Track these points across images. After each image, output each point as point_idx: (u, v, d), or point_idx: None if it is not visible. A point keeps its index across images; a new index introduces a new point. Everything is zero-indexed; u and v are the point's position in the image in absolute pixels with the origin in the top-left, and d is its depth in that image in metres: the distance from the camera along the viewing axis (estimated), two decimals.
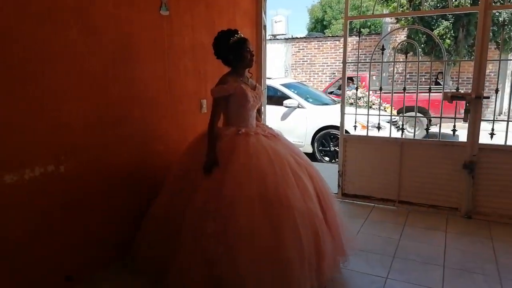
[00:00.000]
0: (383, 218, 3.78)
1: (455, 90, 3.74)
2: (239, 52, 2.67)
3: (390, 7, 11.87)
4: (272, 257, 2.22)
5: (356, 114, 4.22)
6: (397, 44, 11.60)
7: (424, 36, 11.06)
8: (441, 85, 12.19)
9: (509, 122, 3.51)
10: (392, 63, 11.55)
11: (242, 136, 2.59)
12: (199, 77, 3.57)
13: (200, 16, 3.52)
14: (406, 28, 11.97)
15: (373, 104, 7.64)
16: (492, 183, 3.61)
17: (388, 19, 13.70)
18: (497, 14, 10.30)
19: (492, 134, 3.62)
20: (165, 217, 2.58)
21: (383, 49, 4.00)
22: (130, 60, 2.84)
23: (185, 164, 2.72)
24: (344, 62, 4.13)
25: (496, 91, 3.56)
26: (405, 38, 12.35)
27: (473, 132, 3.63)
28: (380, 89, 4.28)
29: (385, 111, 7.16)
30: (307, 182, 2.53)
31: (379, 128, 4.20)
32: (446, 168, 3.78)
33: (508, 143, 3.53)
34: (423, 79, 12.91)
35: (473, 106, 3.58)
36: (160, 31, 3.08)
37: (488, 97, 3.54)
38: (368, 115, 4.16)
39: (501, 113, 12.63)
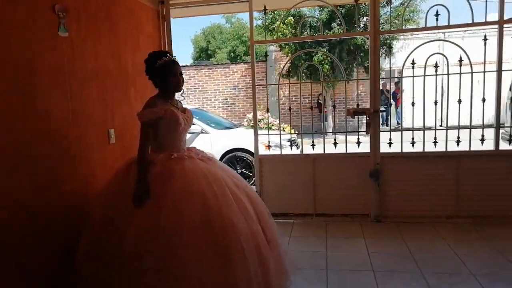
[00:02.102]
0: (304, 233, 3.86)
1: (355, 107, 4.09)
2: (165, 76, 2.54)
3: (274, 37, 12.67)
4: (221, 285, 2.12)
5: (259, 135, 4.32)
6: (281, 69, 12.44)
7: (306, 62, 12.05)
8: (321, 105, 13.48)
9: (403, 132, 3.96)
10: (277, 87, 12.64)
11: (176, 160, 2.44)
12: (105, 105, 3.24)
13: (103, 39, 3.22)
14: (289, 54, 12.90)
15: (272, 125, 7.96)
16: (395, 187, 3.99)
17: (272, 47, 14.63)
18: (363, 41, 11.78)
19: (390, 144, 4.04)
20: (98, 252, 2.33)
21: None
22: (27, 88, 2.42)
23: (112, 193, 2.45)
24: (254, 85, 4.21)
25: (389, 105, 4.01)
26: (289, 64, 13.29)
27: (375, 142, 4.00)
28: (267, 110, 4.41)
29: (284, 130, 7.49)
30: (247, 204, 2.46)
31: (280, 147, 4.39)
32: (355, 178, 4.07)
33: (404, 150, 3.98)
34: (307, 101, 14.02)
35: (372, 119, 3.96)
36: (60, 55, 2.72)
37: (384, 111, 3.95)
38: (268, 135, 4.37)
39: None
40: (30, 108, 2.44)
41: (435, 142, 3.94)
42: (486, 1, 3.61)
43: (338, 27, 11.66)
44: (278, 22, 11.12)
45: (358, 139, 4.11)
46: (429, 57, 3.90)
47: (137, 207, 2.25)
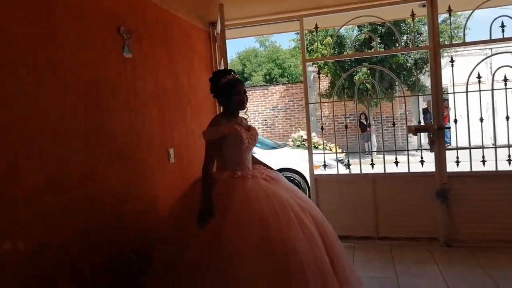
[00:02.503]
0: (368, 257, 3.61)
1: (417, 124, 3.86)
2: (229, 94, 2.49)
3: (312, 57, 12.64)
4: None
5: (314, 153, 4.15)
6: (319, 90, 12.33)
7: (347, 81, 11.87)
8: (364, 124, 13.16)
9: (471, 150, 3.68)
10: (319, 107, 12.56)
11: (238, 179, 2.35)
12: (164, 125, 3.22)
13: (161, 59, 3.24)
14: (328, 74, 12.78)
15: (319, 145, 7.77)
16: (466, 209, 3.68)
17: (310, 68, 14.59)
18: (405, 59, 11.50)
19: (457, 162, 3.76)
20: (162, 264, 2.32)
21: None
22: (94, 109, 2.43)
23: (178, 213, 2.43)
24: (306, 103, 4.10)
25: (455, 121, 3.75)
26: (329, 84, 13.18)
27: (440, 161, 3.73)
28: (322, 128, 4.33)
29: (331, 150, 7.29)
30: (312, 227, 2.29)
31: (325, 166, 4.24)
32: (420, 199, 3.80)
33: (474, 169, 3.69)
34: (348, 120, 13.75)
35: (436, 136, 3.71)
36: (125, 75, 2.73)
37: (449, 128, 3.70)
38: (324, 153, 4.19)
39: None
40: (95, 129, 2.43)
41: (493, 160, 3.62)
42: None
43: (379, 45, 11.47)
44: (316, 44, 11.06)
45: (422, 157, 3.85)
46: (497, 70, 3.64)
47: (201, 226, 2.17)
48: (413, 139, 12.98)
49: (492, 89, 3.74)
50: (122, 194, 2.63)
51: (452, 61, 3.70)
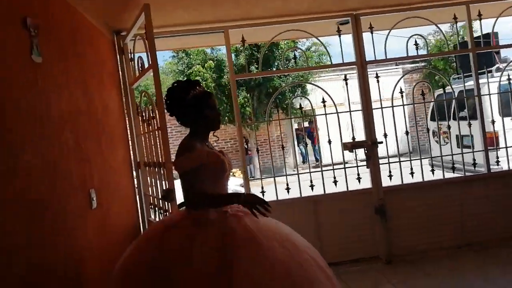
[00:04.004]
0: None
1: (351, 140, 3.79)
2: (200, 111, 1.94)
3: None
4: None
5: None
6: None
7: (228, 105, 11.79)
8: (246, 148, 13.28)
9: (402, 162, 3.78)
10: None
11: (233, 218, 1.84)
12: (83, 158, 2.37)
13: (72, 70, 2.41)
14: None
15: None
16: (402, 222, 3.71)
17: None
18: (280, 84, 12.07)
19: (390, 176, 3.80)
20: None
21: None
22: None
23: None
24: (239, 124, 3.67)
25: (385, 135, 3.81)
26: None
27: (375, 176, 3.72)
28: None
29: (234, 175, 6.94)
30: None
31: (276, 192, 3.85)
32: (360, 217, 3.70)
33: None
34: (229, 144, 13.72)
35: (371, 151, 3.70)
36: (35, 88, 1.87)
37: (382, 142, 3.73)
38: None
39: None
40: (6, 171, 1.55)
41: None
42: None
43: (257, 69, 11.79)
44: (198, 66, 10.76)
45: (358, 174, 3.78)
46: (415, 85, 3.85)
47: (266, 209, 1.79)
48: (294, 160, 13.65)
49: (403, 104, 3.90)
50: (38, 265, 1.73)
51: (377, 76, 3.77)
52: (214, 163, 1.92)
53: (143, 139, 3.47)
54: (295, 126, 15.01)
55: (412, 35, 3.76)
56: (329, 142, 3.72)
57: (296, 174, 3.76)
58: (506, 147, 3.89)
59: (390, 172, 3.79)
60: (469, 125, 3.83)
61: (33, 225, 1.71)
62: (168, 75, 14.02)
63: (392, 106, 3.76)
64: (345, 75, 3.81)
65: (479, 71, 3.83)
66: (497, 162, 3.90)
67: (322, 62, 12.41)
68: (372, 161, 3.71)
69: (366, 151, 3.71)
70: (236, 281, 1.59)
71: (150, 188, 3.46)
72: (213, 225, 1.79)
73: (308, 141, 14.93)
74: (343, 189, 3.72)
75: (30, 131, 1.79)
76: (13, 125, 1.65)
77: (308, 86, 12.50)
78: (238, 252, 1.68)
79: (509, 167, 3.87)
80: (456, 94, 5.41)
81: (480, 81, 3.88)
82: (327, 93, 3.73)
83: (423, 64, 13.47)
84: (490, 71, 4.82)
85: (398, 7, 3.64)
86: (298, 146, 14.38)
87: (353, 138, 3.79)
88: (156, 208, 3.40)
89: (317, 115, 3.75)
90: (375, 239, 3.70)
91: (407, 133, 3.78)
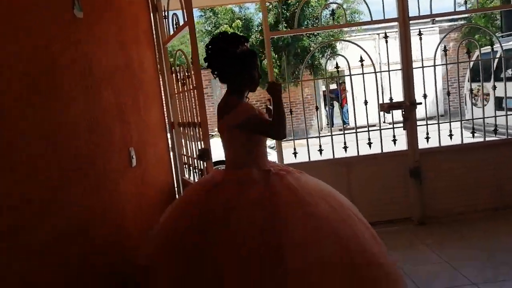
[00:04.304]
0: None
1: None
2: (246, 68, 1.92)
3: None
4: None
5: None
6: None
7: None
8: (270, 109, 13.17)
9: (440, 124, 3.65)
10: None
11: (277, 177, 1.83)
12: (122, 116, 2.40)
13: (110, 26, 2.39)
14: None
15: None
16: (437, 184, 3.64)
17: None
18: (309, 44, 11.72)
19: (427, 138, 3.70)
20: None
21: None
22: (45, 95, 1.57)
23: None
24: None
25: (424, 96, 3.67)
26: None
27: (412, 138, 3.63)
28: None
29: None
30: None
31: (308, 153, 3.82)
32: (393, 179, 3.65)
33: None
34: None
35: (409, 113, 3.58)
36: (79, 44, 1.87)
37: (421, 103, 3.60)
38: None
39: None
40: (51, 128, 1.59)
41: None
42: None
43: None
44: (226, 26, 10.55)
45: (394, 136, 3.70)
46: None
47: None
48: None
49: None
50: (90, 221, 1.81)
51: (420, 34, 3.58)
52: (262, 114, 1.91)
53: (177, 99, 3.48)
54: (323, 88, 14.73)
55: None
56: (365, 102, 3.61)
57: (329, 135, 3.72)
58: None
59: (427, 134, 3.68)
60: None
61: (81, 179, 1.77)
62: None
63: (434, 65, 3.58)
64: (385, 33, 3.62)
65: None
66: None
67: (354, 20, 11.89)
68: (410, 122, 3.60)
69: (403, 112, 3.59)
70: (284, 240, 1.61)
71: (184, 148, 3.51)
72: (258, 184, 1.79)
73: (336, 104, 14.68)
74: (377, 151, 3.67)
75: (74, 88, 1.81)
76: (59, 82, 1.67)
77: (338, 46, 12.13)
78: (284, 211, 1.69)
79: None
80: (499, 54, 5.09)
81: None
82: (365, 51, 3.59)
83: (461, 22, 12.72)
84: None
85: None
86: (324, 108, 14.17)
87: (391, 99, 3.67)
88: (191, 168, 3.47)
89: (354, 74, 3.61)
90: (409, 201, 3.66)
91: (448, 93, 3.62)
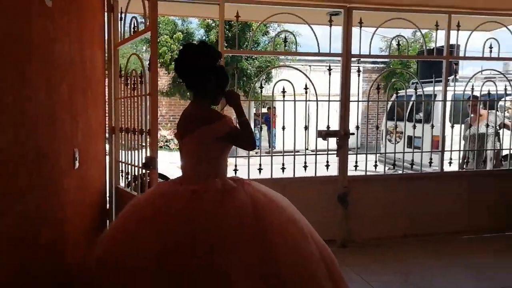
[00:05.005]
0: None
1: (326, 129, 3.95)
2: (222, 82, 1.98)
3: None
4: None
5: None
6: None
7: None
8: None
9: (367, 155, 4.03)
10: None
11: (247, 186, 1.90)
12: (72, 113, 2.30)
13: (72, 20, 2.30)
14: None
15: None
16: (360, 211, 3.96)
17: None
18: (246, 66, 12.02)
19: (356, 166, 4.04)
20: None
21: None
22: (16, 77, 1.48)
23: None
24: None
25: (357, 128, 4.02)
26: (170, 81, 12.63)
27: (343, 165, 3.94)
28: None
29: None
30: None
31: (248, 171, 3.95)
32: (323, 203, 3.91)
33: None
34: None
35: (343, 141, 3.90)
36: (46, 33, 1.79)
37: (353, 133, 3.94)
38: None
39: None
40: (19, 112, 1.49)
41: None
42: None
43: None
44: (166, 36, 10.42)
45: (327, 161, 3.98)
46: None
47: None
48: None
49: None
50: (35, 220, 1.69)
51: (358, 71, 3.96)
52: (235, 133, 1.93)
53: (122, 103, 3.39)
54: (253, 110, 15.10)
55: (396, 35, 4.05)
56: (306, 128, 3.84)
57: (269, 155, 3.88)
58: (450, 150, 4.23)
59: (356, 162, 4.03)
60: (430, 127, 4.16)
61: (36, 170, 1.67)
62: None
63: (368, 101, 3.98)
64: (329, 66, 3.93)
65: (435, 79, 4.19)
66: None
67: (291, 49, 12.51)
68: (343, 150, 3.92)
69: (338, 140, 3.90)
70: (274, 243, 1.68)
71: (123, 155, 3.40)
72: (239, 192, 1.82)
73: (264, 127, 15.13)
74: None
75: (42, 77, 1.72)
76: (28, 73, 1.58)
77: (273, 72, 12.60)
78: (269, 216, 1.77)
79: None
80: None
81: (436, 88, 4.26)
82: (311, 81, 3.86)
83: (382, 65, 14.13)
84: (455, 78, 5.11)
85: (389, 6, 3.81)
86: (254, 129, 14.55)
87: (328, 127, 3.96)
88: (129, 176, 3.36)
89: (298, 101, 3.85)
90: (335, 224, 3.93)
91: (377, 127, 4.03)
